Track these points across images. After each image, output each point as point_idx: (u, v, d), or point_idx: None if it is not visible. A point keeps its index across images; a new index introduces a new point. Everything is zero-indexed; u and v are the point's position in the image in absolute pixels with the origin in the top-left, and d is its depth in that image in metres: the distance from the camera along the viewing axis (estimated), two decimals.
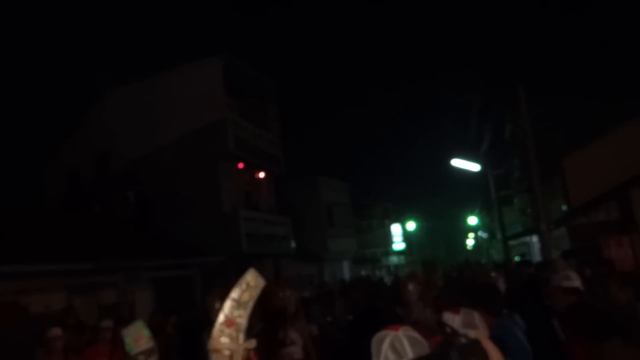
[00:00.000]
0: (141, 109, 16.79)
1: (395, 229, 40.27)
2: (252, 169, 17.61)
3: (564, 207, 14.83)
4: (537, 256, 15.83)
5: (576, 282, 3.54)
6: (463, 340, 2.06)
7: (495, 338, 2.34)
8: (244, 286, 1.61)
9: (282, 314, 4.06)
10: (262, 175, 18.25)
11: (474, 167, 17.55)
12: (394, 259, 38.96)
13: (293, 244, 19.12)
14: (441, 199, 47.10)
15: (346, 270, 26.68)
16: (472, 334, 2.09)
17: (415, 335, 1.63)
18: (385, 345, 1.60)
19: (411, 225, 42.40)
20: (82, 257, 9.73)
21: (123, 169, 17.05)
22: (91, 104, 18.83)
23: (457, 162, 16.72)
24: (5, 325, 7.48)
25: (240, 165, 16.80)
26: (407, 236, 41.78)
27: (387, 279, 22.56)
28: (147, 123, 16.58)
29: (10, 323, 7.59)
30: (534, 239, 17.03)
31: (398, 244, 40.02)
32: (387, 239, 38.86)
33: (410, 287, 4.48)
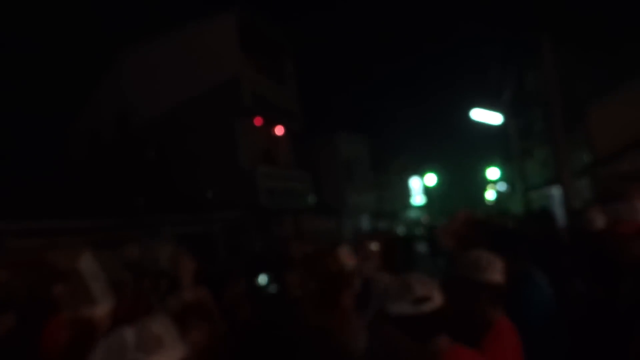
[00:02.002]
0: (157, 68, 16.70)
1: (415, 183, 40.18)
2: (270, 124, 17.55)
3: (586, 159, 14.53)
4: (558, 209, 15.66)
5: (600, 225, 3.47)
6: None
7: (512, 284, 2.32)
8: None
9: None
10: (280, 131, 18.19)
11: (495, 118, 17.17)
12: (413, 214, 39.06)
13: (312, 199, 19.24)
14: (461, 152, 46.49)
15: (365, 225, 26.89)
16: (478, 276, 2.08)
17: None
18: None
19: (430, 179, 42.20)
20: (104, 214, 9.95)
21: (142, 129, 17.16)
22: (109, 65, 18.79)
23: (477, 114, 16.37)
24: (34, 281, 7.75)
25: (258, 122, 16.74)
26: (426, 190, 41.71)
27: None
28: (163, 82, 16.53)
29: (38, 279, 7.86)
30: (556, 191, 16.81)
31: (417, 198, 40.02)
32: (406, 193, 38.86)
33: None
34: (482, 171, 39.82)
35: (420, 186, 41.29)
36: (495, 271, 2.06)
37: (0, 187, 10.69)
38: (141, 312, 3.97)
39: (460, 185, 46.41)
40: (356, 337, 2.42)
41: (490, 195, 41.24)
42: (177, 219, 12.05)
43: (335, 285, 2.77)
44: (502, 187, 35.69)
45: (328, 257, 3.27)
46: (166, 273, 4.17)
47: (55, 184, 12.99)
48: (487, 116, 16.99)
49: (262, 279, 6.11)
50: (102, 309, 2.45)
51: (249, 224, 13.81)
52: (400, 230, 28.08)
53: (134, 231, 10.46)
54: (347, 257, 3.46)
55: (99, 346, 1.24)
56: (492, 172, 37.03)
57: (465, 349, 1.79)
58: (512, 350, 2.00)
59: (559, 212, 10.72)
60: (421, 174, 41.15)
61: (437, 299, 1.74)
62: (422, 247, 20.76)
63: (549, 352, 2.67)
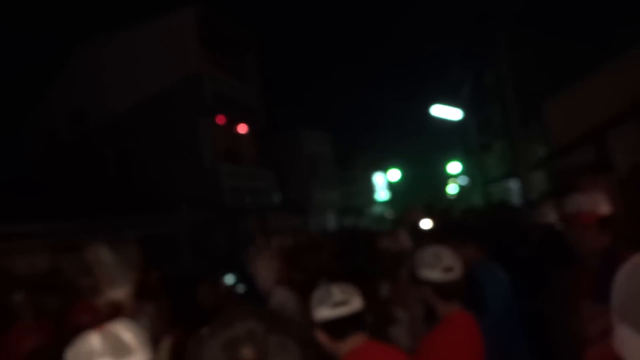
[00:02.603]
0: (115, 65, 16.30)
1: (379, 179, 40.62)
2: (233, 122, 17.41)
3: (542, 153, 15.04)
4: (516, 201, 16.15)
5: (553, 219, 3.60)
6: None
7: (471, 275, 2.41)
8: None
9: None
10: (243, 129, 18.07)
11: (455, 114, 17.57)
12: (378, 209, 39.47)
13: (277, 197, 19.21)
14: (423, 147, 47.26)
15: (331, 221, 27.03)
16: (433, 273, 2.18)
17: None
18: None
19: (394, 175, 42.74)
20: (64, 216, 9.67)
21: (100, 128, 16.72)
22: (64, 63, 18.22)
23: (438, 110, 16.71)
24: None
25: (221, 120, 16.58)
26: (390, 186, 42.22)
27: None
28: (122, 79, 16.15)
29: None
30: (514, 184, 17.36)
31: (382, 194, 40.48)
32: (371, 189, 39.25)
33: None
34: (444, 166, 40.63)
35: (384, 182, 41.77)
36: (441, 268, 2.12)
37: None
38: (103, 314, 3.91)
39: (423, 180, 47.14)
40: (413, 307, 2.78)
41: (452, 189, 42.12)
42: (139, 220, 11.81)
43: (395, 262, 3.28)
44: (463, 180, 36.51)
45: (388, 238, 4.02)
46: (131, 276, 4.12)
47: (11, 185, 12.53)
48: (447, 112, 17.37)
49: (229, 279, 6.08)
50: (124, 291, 2.92)
51: (213, 223, 13.68)
52: (367, 225, 28.36)
53: (94, 234, 10.20)
54: (405, 238, 4.03)
55: (68, 352, 1.24)
56: (454, 167, 37.85)
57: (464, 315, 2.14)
58: (466, 342, 2.07)
59: (517, 204, 11.07)
60: (385, 169, 41.63)
61: (458, 270, 2.10)
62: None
63: (509, 341, 2.79)
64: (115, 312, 2.78)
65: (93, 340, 1.23)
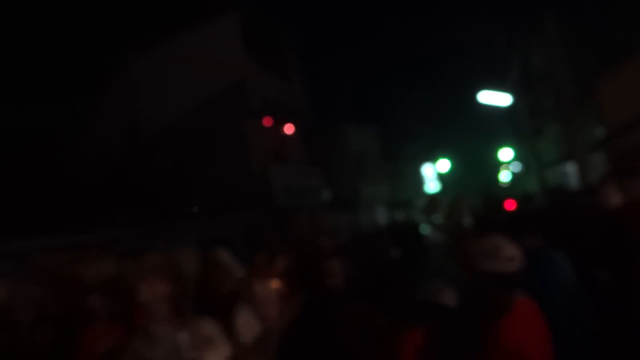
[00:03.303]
0: (163, 75, 16.85)
1: (428, 170, 40.04)
2: (279, 124, 17.62)
3: (599, 133, 14.39)
4: (574, 186, 15.53)
5: (616, 203, 3.43)
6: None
7: (532, 263, 2.38)
8: None
9: None
10: (289, 129, 18.27)
11: (504, 99, 17.07)
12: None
13: (327, 195, 19.31)
14: (472, 135, 46.12)
15: (381, 216, 26.90)
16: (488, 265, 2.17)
17: None
18: None
19: (443, 165, 41.98)
20: (127, 224, 10.13)
21: (153, 137, 17.32)
22: (114, 73, 18.96)
23: (485, 96, 16.29)
24: (63, 295, 7.93)
25: (267, 122, 16.83)
26: (440, 177, 41.52)
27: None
28: (170, 88, 16.67)
29: (67, 293, 8.03)
30: (570, 168, 16.69)
31: (431, 185, 39.88)
32: (420, 181, 38.75)
33: None
34: (495, 153, 39.48)
35: (433, 173, 41.14)
36: (502, 258, 2.11)
37: (18, 201, 10.93)
38: (171, 317, 4.08)
39: (473, 169, 46.05)
40: None
41: (504, 176, 40.92)
42: (196, 224, 12.20)
43: None
44: (516, 167, 35.39)
45: None
46: (191, 278, 4.29)
47: (73, 197, 13.20)
48: (495, 98, 16.91)
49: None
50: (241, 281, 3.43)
51: (267, 224, 13.93)
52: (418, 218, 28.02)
53: (156, 240, 10.64)
54: None
55: (155, 347, 1.33)
56: (505, 153, 36.68)
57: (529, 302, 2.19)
58: (533, 331, 2.05)
59: (575, 189, 10.66)
60: (433, 160, 40.97)
61: (519, 259, 2.13)
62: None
63: (574, 330, 2.71)
64: (235, 299, 3.26)
65: (180, 337, 1.31)
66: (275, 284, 3.80)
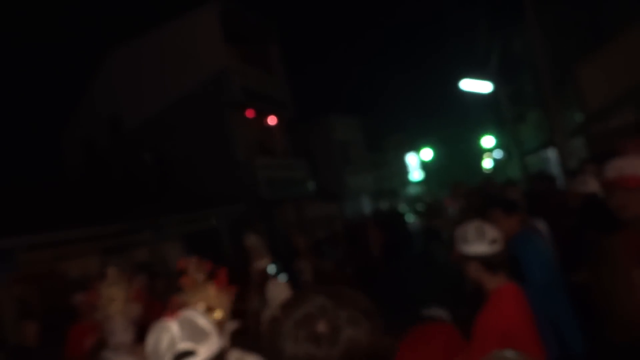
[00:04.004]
0: (143, 68, 16.64)
1: (411, 159, 40.28)
2: (262, 115, 17.55)
3: (579, 118, 14.59)
4: (555, 171, 15.75)
5: (593, 187, 3.52)
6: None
7: (513, 246, 2.43)
8: None
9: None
10: (273, 120, 18.21)
11: (485, 87, 17.20)
12: (412, 190, 39.18)
13: (312, 186, 19.33)
14: (454, 123, 46.44)
15: (366, 206, 27.03)
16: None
17: None
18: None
19: (427, 154, 42.25)
20: (112, 219, 10.04)
21: (135, 131, 17.15)
22: (95, 69, 18.71)
23: (467, 84, 16.38)
24: (47, 292, 7.87)
25: (250, 113, 16.75)
26: (424, 165, 41.80)
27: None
28: (151, 81, 16.48)
29: (51, 290, 7.98)
30: (552, 154, 16.91)
31: (415, 174, 40.13)
32: (404, 170, 38.97)
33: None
34: (477, 140, 39.85)
35: (417, 162, 41.39)
36: (483, 242, 2.15)
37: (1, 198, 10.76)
38: (157, 311, 4.09)
39: (457, 157, 46.44)
40: None
41: (487, 163, 41.35)
42: (180, 218, 12.14)
43: None
44: (499, 154, 35.77)
45: None
46: (176, 273, 4.29)
47: (55, 192, 13.04)
48: (476, 85, 17.03)
49: (271, 269, 6.33)
50: (267, 261, 4.22)
51: (251, 216, 13.91)
52: (402, 207, 28.23)
53: (140, 234, 10.56)
54: None
55: (149, 338, 1.35)
56: (487, 140, 37.04)
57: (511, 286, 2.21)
58: (517, 313, 2.09)
59: (556, 173, 10.83)
60: (417, 149, 41.21)
61: (502, 241, 2.19)
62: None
63: (555, 310, 2.78)
64: (264, 278, 4.07)
65: (172, 327, 1.33)
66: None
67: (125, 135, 17.58)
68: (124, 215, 10.55)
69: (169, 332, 1.33)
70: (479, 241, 2.15)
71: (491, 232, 2.18)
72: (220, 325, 2.36)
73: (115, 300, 2.43)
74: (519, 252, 2.65)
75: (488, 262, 2.14)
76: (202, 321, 1.37)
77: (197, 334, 1.33)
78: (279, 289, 3.83)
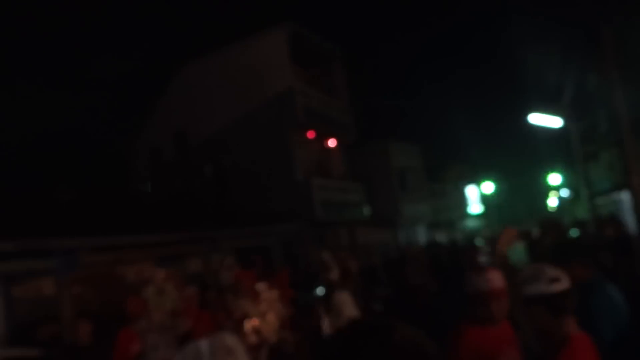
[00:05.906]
0: (212, 85, 17.28)
1: (472, 192, 39.18)
2: (323, 137, 17.71)
3: None
4: (628, 215, 14.80)
5: None
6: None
7: (582, 295, 2.23)
8: None
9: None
10: (333, 142, 18.32)
11: (555, 122, 16.53)
12: (471, 223, 38.01)
13: (367, 211, 19.17)
14: (520, 158, 44.90)
15: (421, 236, 26.45)
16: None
17: None
18: None
19: (488, 187, 40.95)
20: (169, 229, 10.35)
21: (199, 146, 17.75)
22: (167, 83, 19.63)
23: (536, 118, 15.81)
24: (105, 293, 8.17)
25: (311, 134, 16.95)
26: (484, 198, 40.53)
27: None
28: (219, 98, 17.08)
29: (109, 291, 8.28)
30: (625, 197, 15.92)
31: (474, 207, 38.97)
32: (463, 202, 37.93)
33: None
34: (543, 177, 38.31)
35: (477, 194, 40.20)
36: (545, 280, 2.02)
37: (69, 202, 11.37)
38: (206, 321, 4.11)
39: (520, 193, 44.81)
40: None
41: (552, 202, 39.62)
42: (235, 232, 12.34)
43: None
44: (565, 193, 34.18)
45: None
46: (228, 285, 4.31)
47: (120, 198, 13.64)
48: (546, 120, 16.39)
49: (320, 291, 6.31)
50: (336, 273, 5.15)
51: (304, 236, 13.93)
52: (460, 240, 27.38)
53: (195, 245, 10.81)
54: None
55: (178, 356, 1.35)
56: (554, 178, 35.56)
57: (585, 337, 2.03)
58: None
59: (629, 219, 10.16)
60: (478, 182, 40.06)
61: (565, 281, 2.03)
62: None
63: None
64: (337, 285, 4.73)
65: (202, 345, 1.33)
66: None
67: (189, 149, 18.23)
68: (182, 226, 10.84)
69: (197, 350, 1.34)
70: (538, 280, 2.01)
71: (551, 271, 2.05)
72: (268, 330, 2.38)
73: (162, 311, 2.45)
74: (589, 301, 2.44)
75: (549, 303, 1.97)
76: (233, 342, 1.38)
77: (223, 354, 1.33)
78: (343, 298, 4.06)
